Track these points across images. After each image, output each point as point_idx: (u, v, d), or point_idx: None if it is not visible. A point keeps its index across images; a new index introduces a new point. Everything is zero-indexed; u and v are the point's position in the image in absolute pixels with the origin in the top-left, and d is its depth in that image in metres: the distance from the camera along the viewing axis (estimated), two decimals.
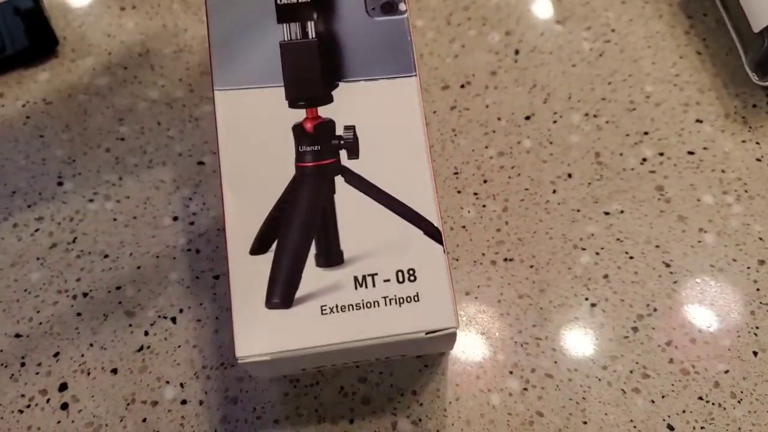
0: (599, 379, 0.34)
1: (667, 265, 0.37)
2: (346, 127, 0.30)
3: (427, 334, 0.28)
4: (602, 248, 0.37)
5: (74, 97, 0.43)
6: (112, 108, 0.42)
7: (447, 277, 0.29)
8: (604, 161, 0.40)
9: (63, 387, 0.35)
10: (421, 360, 0.35)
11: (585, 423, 0.33)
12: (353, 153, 0.30)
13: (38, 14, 0.43)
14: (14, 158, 0.41)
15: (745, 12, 0.40)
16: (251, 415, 0.34)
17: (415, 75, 0.31)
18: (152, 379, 0.35)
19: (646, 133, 0.41)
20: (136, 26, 0.45)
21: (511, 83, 0.43)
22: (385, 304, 0.28)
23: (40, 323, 0.36)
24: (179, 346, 0.36)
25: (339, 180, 0.30)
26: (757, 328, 0.35)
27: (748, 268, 0.37)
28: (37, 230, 0.39)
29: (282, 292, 0.29)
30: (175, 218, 0.39)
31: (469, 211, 0.39)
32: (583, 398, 0.34)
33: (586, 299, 0.36)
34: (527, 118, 0.41)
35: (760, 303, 0.36)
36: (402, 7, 0.31)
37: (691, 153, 0.40)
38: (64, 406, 0.34)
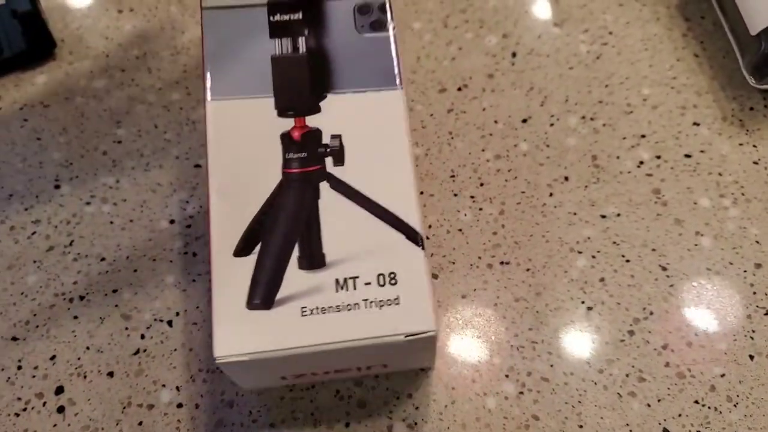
0: (595, 383, 0.34)
1: (664, 269, 0.37)
2: (333, 136, 0.31)
3: (406, 337, 0.28)
4: (598, 251, 0.37)
5: (71, 99, 0.43)
6: (109, 111, 0.42)
7: (427, 282, 0.29)
8: (600, 164, 0.40)
9: (59, 390, 0.35)
10: None
11: (581, 427, 0.33)
12: (339, 160, 0.31)
13: (35, 17, 0.43)
14: (11, 161, 0.41)
15: (742, 15, 0.40)
16: (247, 419, 0.34)
17: (401, 88, 0.32)
18: (148, 383, 0.35)
19: (643, 136, 0.41)
20: (134, 29, 0.45)
21: (508, 86, 0.43)
22: (366, 307, 0.29)
23: (37, 326, 0.36)
24: (175, 350, 0.36)
25: (324, 185, 0.30)
26: (753, 331, 0.35)
27: (745, 271, 0.37)
28: (34, 233, 0.39)
29: (263, 293, 0.29)
30: (172, 221, 0.39)
31: (465, 214, 0.39)
32: (579, 402, 0.34)
33: (583, 303, 0.36)
34: (524, 121, 0.41)
35: (757, 306, 0.36)
36: (389, 24, 0.32)
37: (688, 156, 0.40)
38: (61, 410, 0.34)
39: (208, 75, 0.32)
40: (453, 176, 0.40)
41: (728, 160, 0.40)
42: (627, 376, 0.34)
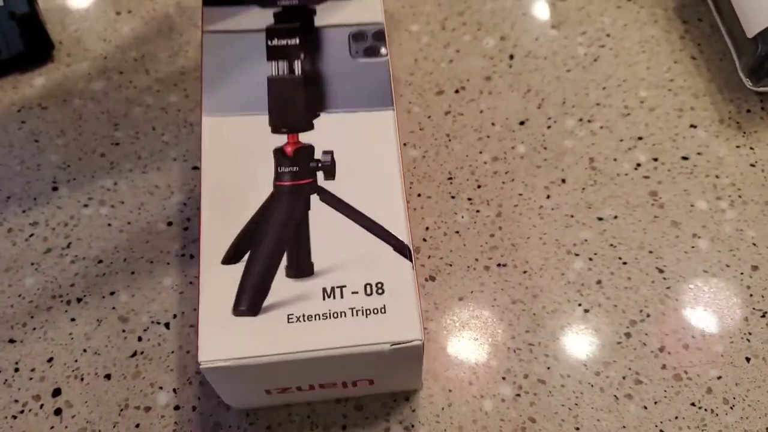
0: (592, 385, 0.34)
1: (661, 271, 0.37)
2: (325, 152, 0.32)
3: (391, 345, 0.28)
4: (595, 254, 0.38)
5: (69, 101, 0.43)
6: (107, 113, 0.42)
7: (414, 292, 0.29)
8: (597, 166, 0.40)
9: (56, 392, 0.35)
10: None
11: (577, 429, 0.33)
12: (330, 175, 0.31)
13: (34, 18, 0.43)
14: (9, 163, 0.41)
15: (738, 17, 0.40)
16: (244, 422, 0.34)
17: (393, 109, 0.33)
18: (145, 385, 0.35)
19: (640, 138, 0.41)
20: (132, 31, 0.45)
21: (506, 88, 0.43)
22: (352, 315, 0.29)
23: (34, 328, 0.36)
24: (172, 352, 0.36)
25: (314, 198, 0.31)
26: (750, 334, 0.35)
27: (742, 273, 0.37)
28: (31, 235, 0.39)
29: (250, 299, 0.29)
30: (169, 223, 0.39)
31: (462, 217, 0.39)
32: (576, 404, 0.34)
33: (579, 305, 0.36)
34: (521, 123, 0.41)
35: (753, 309, 0.36)
36: (383, 51, 0.34)
37: (685, 158, 0.40)
38: (58, 412, 0.34)
39: (205, 93, 0.33)
40: (450, 178, 0.40)
41: (725, 163, 0.40)
42: (624, 378, 0.34)
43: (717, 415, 0.33)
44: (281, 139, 0.32)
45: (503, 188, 0.39)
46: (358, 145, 0.32)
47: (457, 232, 0.38)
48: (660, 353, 0.35)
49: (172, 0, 0.46)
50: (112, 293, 0.37)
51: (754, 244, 0.37)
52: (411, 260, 0.30)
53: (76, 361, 0.36)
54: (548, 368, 0.35)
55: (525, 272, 0.37)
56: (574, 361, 0.35)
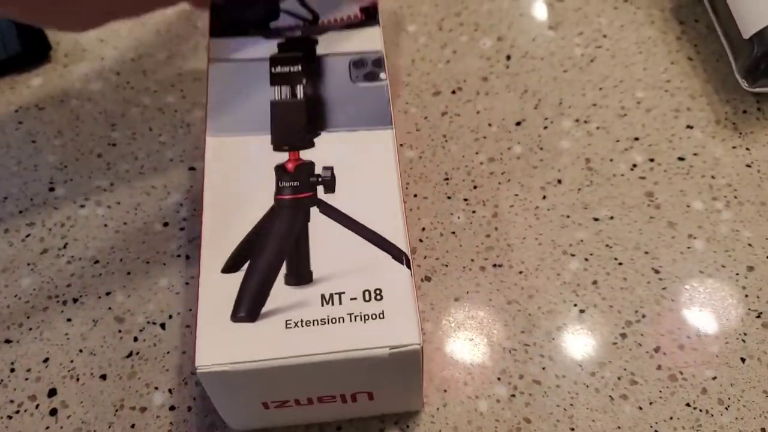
0: (587, 386, 0.34)
1: (656, 272, 0.37)
2: (325, 168, 0.32)
3: (390, 350, 0.28)
4: (591, 254, 0.38)
5: (67, 102, 0.43)
6: (104, 113, 0.42)
7: (413, 297, 0.29)
8: (594, 167, 0.40)
9: (52, 393, 0.35)
10: None
11: (572, 429, 0.33)
12: (330, 189, 0.32)
13: None
14: (6, 164, 0.41)
15: (735, 18, 0.40)
16: None
17: (392, 128, 0.33)
18: (141, 385, 0.35)
19: (636, 139, 0.41)
20: (130, 32, 0.45)
21: (503, 89, 0.43)
22: (350, 320, 0.29)
23: (30, 329, 0.36)
24: (168, 352, 0.36)
25: (314, 209, 0.32)
26: (745, 334, 0.35)
27: (737, 274, 0.37)
28: (28, 236, 0.39)
29: (248, 305, 0.29)
30: (166, 224, 0.39)
31: (458, 217, 0.39)
32: (571, 405, 0.34)
33: (575, 305, 0.36)
34: (518, 123, 0.41)
35: (749, 309, 0.36)
36: (382, 76, 0.35)
37: (681, 159, 0.40)
38: (53, 412, 0.34)
39: (210, 115, 0.34)
40: (447, 179, 0.40)
41: (721, 163, 0.40)
42: (619, 378, 0.34)
43: (712, 415, 0.33)
44: (283, 157, 0.33)
45: (499, 189, 0.39)
46: (358, 160, 0.33)
47: (453, 232, 0.38)
48: (655, 354, 0.35)
49: None
50: (108, 293, 0.37)
51: (750, 245, 0.37)
52: (409, 267, 0.30)
53: (71, 361, 0.36)
54: (543, 369, 0.35)
55: (521, 273, 0.37)
56: (569, 361, 0.35)
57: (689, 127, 0.41)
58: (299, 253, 0.30)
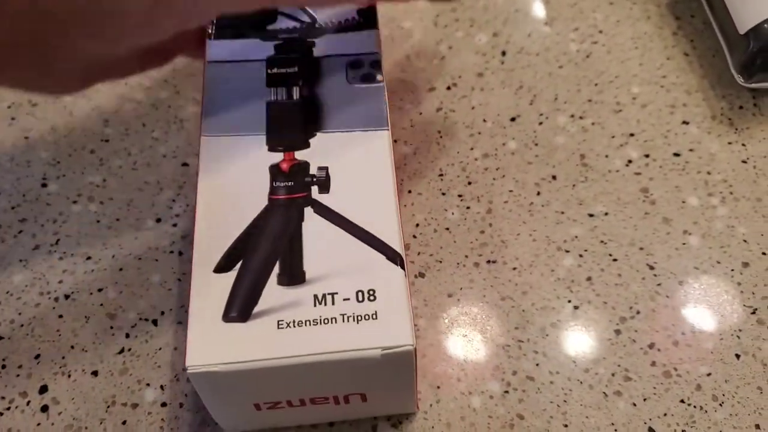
0: (581, 382, 0.34)
1: (651, 268, 0.37)
2: (320, 168, 0.32)
3: (383, 351, 0.28)
4: (586, 250, 0.37)
5: (60, 98, 0.43)
6: (97, 109, 0.42)
7: (406, 298, 0.29)
8: (589, 163, 0.40)
9: (43, 389, 0.35)
10: None
11: (566, 426, 0.33)
12: (324, 189, 0.32)
13: None
14: None
15: (730, 14, 0.40)
16: None
17: (388, 129, 0.33)
18: (133, 382, 0.35)
19: (631, 135, 0.40)
20: None
21: (498, 85, 0.42)
22: (343, 321, 0.28)
23: (22, 325, 0.36)
24: (160, 349, 0.36)
25: (308, 209, 0.31)
26: (739, 330, 0.35)
27: (732, 270, 0.37)
28: (20, 232, 0.39)
29: (240, 305, 0.29)
30: (158, 220, 0.39)
31: (453, 213, 0.39)
32: (564, 401, 0.34)
33: (569, 302, 0.36)
34: (513, 119, 0.41)
35: (744, 305, 0.36)
36: (379, 77, 0.35)
37: (676, 155, 0.40)
38: (44, 409, 0.34)
39: (204, 115, 0.34)
40: (441, 175, 0.40)
41: (717, 159, 0.40)
42: (613, 375, 0.34)
43: (706, 411, 0.33)
44: (277, 157, 0.33)
45: (494, 185, 0.39)
46: (353, 161, 0.32)
47: (447, 228, 0.38)
48: (650, 350, 0.35)
49: None
50: (100, 290, 0.37)
51: (745, 241, 0.37)
52: (404, 268, 0.30)
53: (63, 357, 0.35)
54: (537, 365, 0.35)
55: (515, 269, 0.37)
56: (563, 357, 0.35)
57: (685, 122, 0.41)
58: (292, 253, 0.30)
